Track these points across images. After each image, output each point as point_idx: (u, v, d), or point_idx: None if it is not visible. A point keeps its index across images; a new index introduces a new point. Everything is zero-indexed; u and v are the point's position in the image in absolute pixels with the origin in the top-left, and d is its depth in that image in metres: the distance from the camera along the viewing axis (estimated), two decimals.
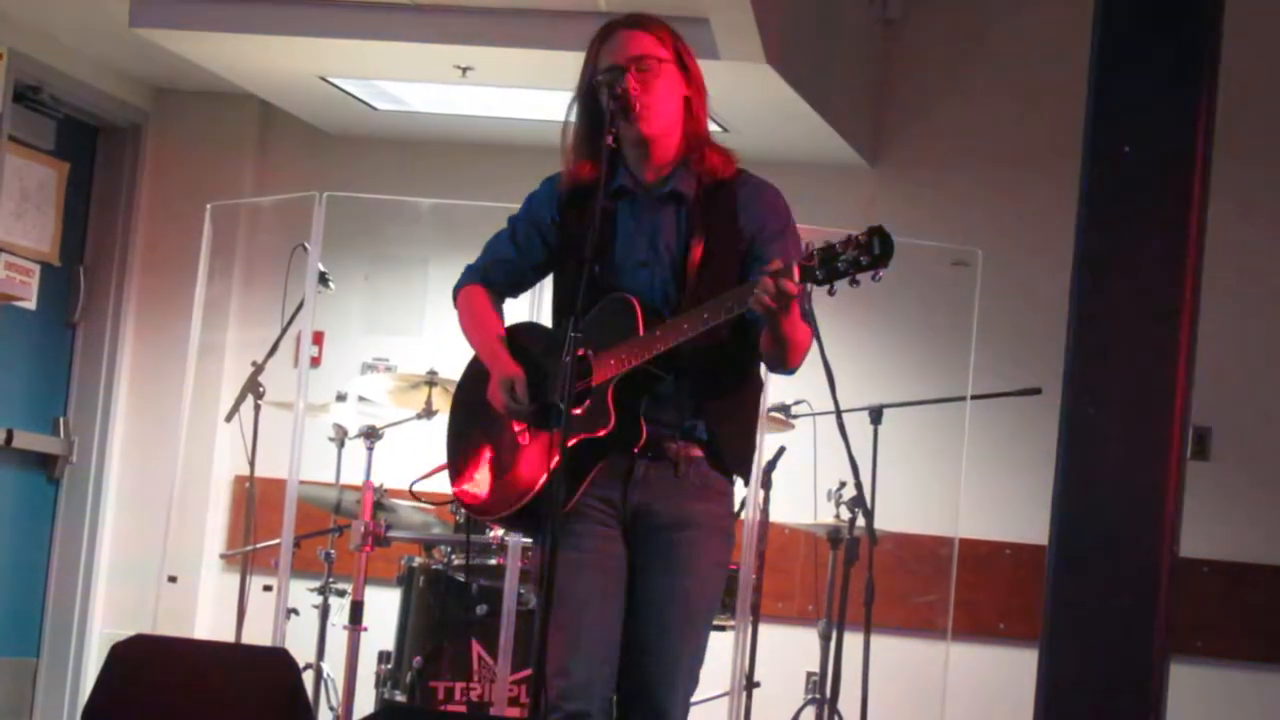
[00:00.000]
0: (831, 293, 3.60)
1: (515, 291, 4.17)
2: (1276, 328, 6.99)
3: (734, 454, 3.95)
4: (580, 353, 3.74)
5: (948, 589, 6.55)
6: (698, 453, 3.89)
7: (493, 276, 4.12)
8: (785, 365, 3.84)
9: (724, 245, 3.88)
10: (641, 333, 3.80)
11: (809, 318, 3.82)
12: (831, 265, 3.56)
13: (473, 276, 4.14)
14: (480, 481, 4.01)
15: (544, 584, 3.58)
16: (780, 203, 3.95)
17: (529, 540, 5.59)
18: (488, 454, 4.01)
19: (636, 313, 3.82)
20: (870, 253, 3.53)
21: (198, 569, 7.52)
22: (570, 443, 3.73)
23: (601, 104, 3.85)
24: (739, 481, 4.02)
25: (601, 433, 3.80)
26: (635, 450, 3.84)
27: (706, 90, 3.98)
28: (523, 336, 4.06)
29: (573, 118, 3.98)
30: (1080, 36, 5.27)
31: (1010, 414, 6.73)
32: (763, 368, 4.00)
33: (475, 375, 4.09)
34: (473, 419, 4.07)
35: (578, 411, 3.79)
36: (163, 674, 5.07)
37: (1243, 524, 6.90)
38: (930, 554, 6.92)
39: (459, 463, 4.07)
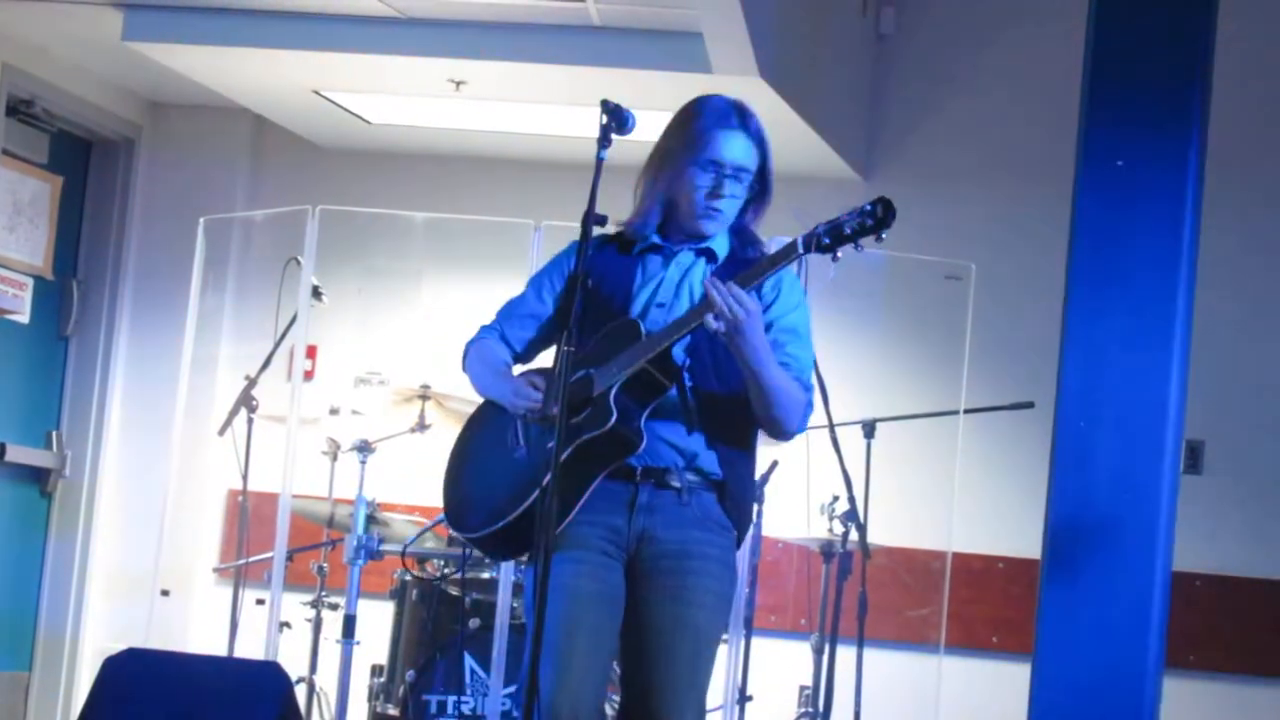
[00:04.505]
0: (835, 258, 3.65)
1: (530, 351, 4.09)
2: (1269, 341, 6.99)
3: (736, 503, 3.92)
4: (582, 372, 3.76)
5: (940, 602, 6.54)
6: (703, 484, 3.87)
7: (508, 332, 4.08)
8: (775, 421, 3.86)
9: None
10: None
11: (805, 377, 3.87)
12: (837, 232, 3.63)
13: (487, 334, 4.10)
14: (472, 501, 3.98)
15: (538, 604, 3.57)
16: (803, 305, 3.98)
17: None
18: (481, 480, 3.98)
19: (640, 330, 3.82)
20: (874, 216, 3.60)
21: (190, 583, 7.51)
22: (571, 448, 3.72)
23: (685, 184, 3.88)
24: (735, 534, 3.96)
25: (602, 429, 3.75)
26: (637, 470, 3.81)
27: (771, 194, 3.99)
28: (530, 376, 4.00)
29: (644, 177, 3.96)
30: (1074, 51, 5.31)
31: (1003, 428, 6.74)
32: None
33: (476, 420, 4.07)
34: (470, 454, 4.05)
35: (577, 420, 3.78)
36: (155, 687, 5.08)
37: (1235, 538, 6.90)
38: (923, 567, 6.91)
39: (453, 494, 4.04)
